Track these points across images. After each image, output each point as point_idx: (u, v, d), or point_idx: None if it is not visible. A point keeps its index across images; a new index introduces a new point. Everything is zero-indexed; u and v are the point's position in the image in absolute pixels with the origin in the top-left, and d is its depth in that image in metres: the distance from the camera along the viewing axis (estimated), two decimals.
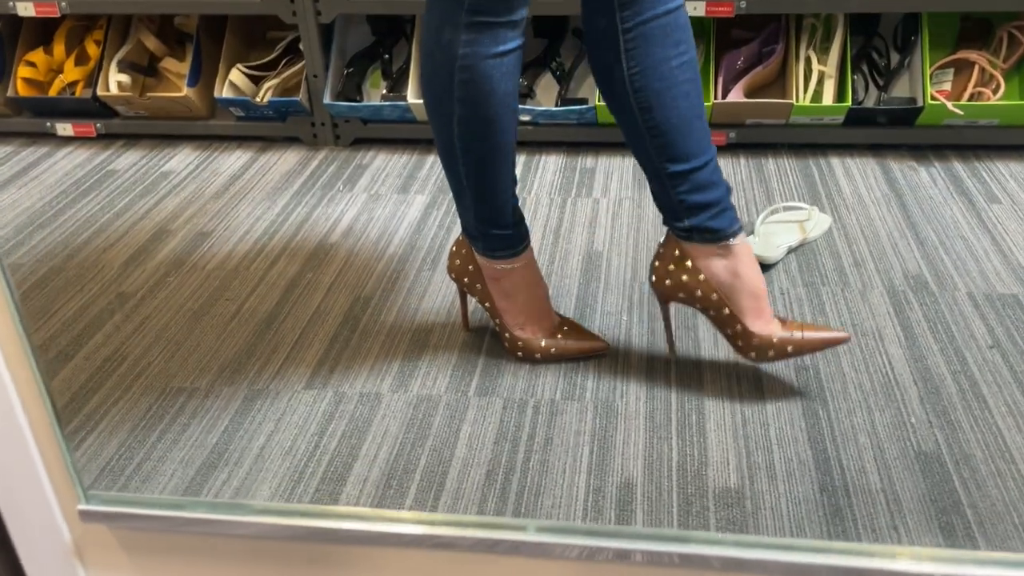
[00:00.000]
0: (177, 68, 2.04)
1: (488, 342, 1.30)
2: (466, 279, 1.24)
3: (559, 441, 1.11)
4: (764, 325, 1.11)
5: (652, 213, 1.65)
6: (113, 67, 2.01)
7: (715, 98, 1.82)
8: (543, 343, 1.22)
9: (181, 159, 1.99)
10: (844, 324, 1.30)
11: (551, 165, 1.86)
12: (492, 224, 1.16)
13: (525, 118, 1.89)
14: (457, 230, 1.62)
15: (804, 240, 1.50)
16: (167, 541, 0.99)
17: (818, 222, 1.54)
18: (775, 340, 1.11)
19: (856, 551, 0.85)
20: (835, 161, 1.81)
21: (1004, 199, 1.63)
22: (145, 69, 2.06)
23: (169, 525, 0.96)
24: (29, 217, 1.74)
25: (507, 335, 1.24)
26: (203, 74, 2.01)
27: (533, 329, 1.22)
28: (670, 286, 1.14)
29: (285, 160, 1.95)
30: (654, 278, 1.16)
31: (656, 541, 0.87)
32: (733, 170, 1.79)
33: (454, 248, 1.25)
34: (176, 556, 0.99)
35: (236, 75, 1.97)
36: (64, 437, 0.93)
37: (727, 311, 1.12)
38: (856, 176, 1.75)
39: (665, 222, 1.13)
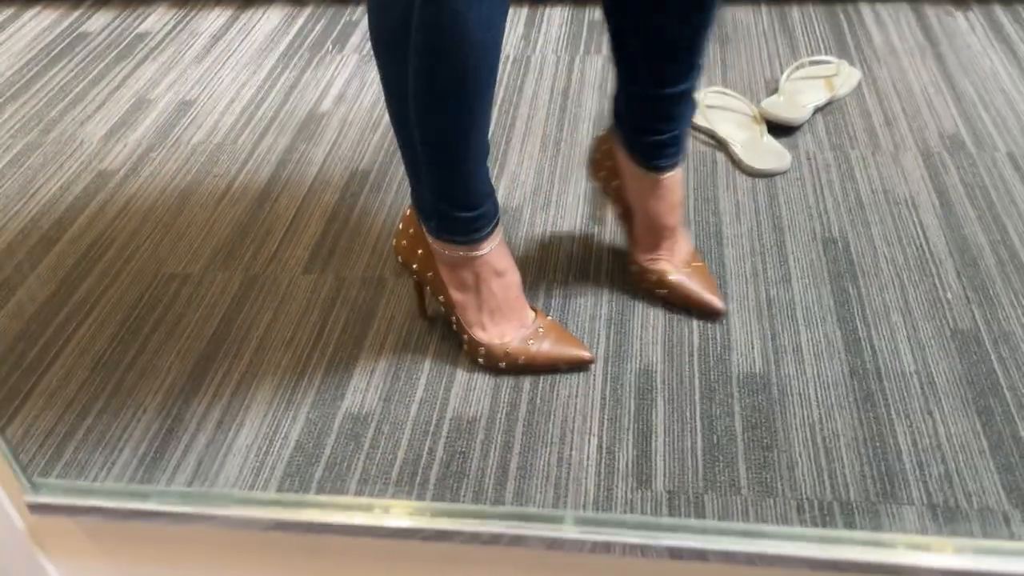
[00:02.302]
0: None
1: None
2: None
3: (575, 327, 1.05)
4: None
5: None
6: None
7: None
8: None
9: (157, 18, 1.84)
10: (875, 191, 1.21)
11: (556, 19, 1.71)
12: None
13: None
14: None
15: (832, 98, 1.39)
16: (133, 528, 0.90)
17: (847, 77, 1.43)
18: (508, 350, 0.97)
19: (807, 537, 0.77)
20: (865, 8, 1.66)
21: None
22: None
23: (130, 516, 0.85)
24: None
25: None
26: None
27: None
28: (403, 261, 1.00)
29: (268, 17, 1.80)
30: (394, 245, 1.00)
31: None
32: (754, 19, 1.65)
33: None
34: (146, 542, 0.90)
35: None
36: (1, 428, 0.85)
37: (454, 318, 0.99)
38: (888, 24, 1.61)
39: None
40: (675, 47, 0.90)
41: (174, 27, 1.80)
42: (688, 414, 0.94)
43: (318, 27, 1.75)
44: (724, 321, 1.04)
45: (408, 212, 0.99)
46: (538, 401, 0.97)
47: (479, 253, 0.93)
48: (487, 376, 1.00)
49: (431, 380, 1.00)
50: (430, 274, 0.98)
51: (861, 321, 1.02)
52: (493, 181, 1.28)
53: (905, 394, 0.94)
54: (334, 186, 1.31)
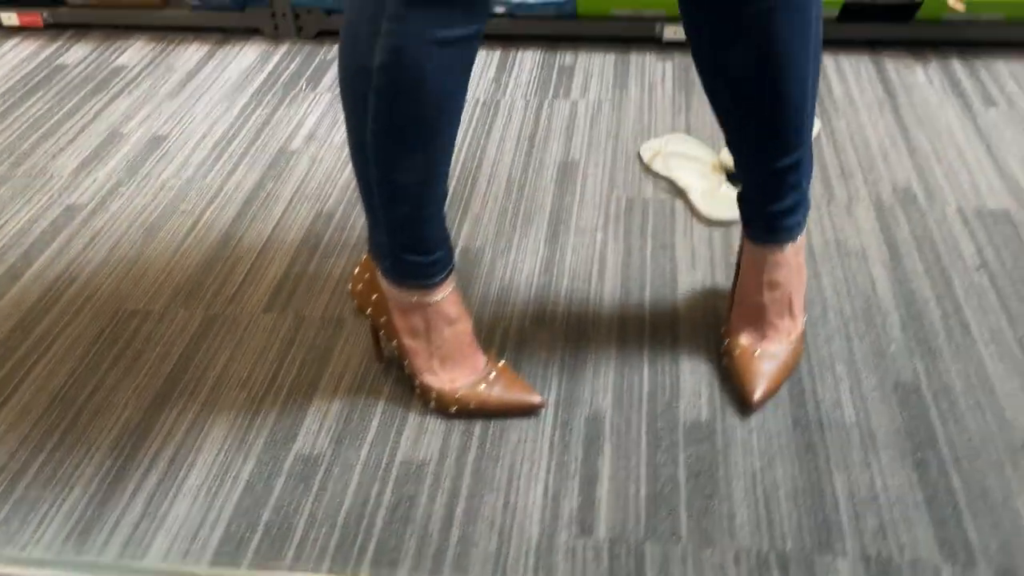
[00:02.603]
0: None
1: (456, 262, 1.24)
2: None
3: (527, 371, 1.07)
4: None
5: (632, 117, 1.56)
6: None
7: None
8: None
9: (134, 52, 1.86)
10: (828, 242, 1.24)
11: (527, 62, 1.75)
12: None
13: (500, 9, 1.76)
14: None
15: None
16: None
17: None
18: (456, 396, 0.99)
19: None
20: (827, 59, 1.71)
21: (1002, 102, 1.55)
22: None
23: None
24: None
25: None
26: None
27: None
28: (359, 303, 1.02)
29: (245, 54, 1.83)
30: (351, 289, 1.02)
31: None
32: None
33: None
34: None
35: None
36: None
37: (406, 362, 1.01)
38: (849, 76, 1.65)
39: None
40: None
41: (151, 61, 1.82)
42: (634, 461, 0.95)
43: (293, 65, 1.78)
44: (674, 369, 1.06)
45: (366, 257, 1.00)
46: (488, 446, 0.98)
47: (431, 299, 0.95)
48: (439, 420, 1.01)
49: (383, 423, 1.01)
50: (383, 319, 1.00)
51: (807, 372, 1.05)
52: (456, 222, 1.31)
53: (845, 445, 0.96)
54: (299, 225, 1.33)
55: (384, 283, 0.97)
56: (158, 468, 0.97)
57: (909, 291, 1.15)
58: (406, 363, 1.01)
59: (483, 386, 1.00)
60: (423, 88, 0.79)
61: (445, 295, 0.96)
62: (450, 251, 0.96)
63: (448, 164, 0.88)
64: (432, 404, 1.01)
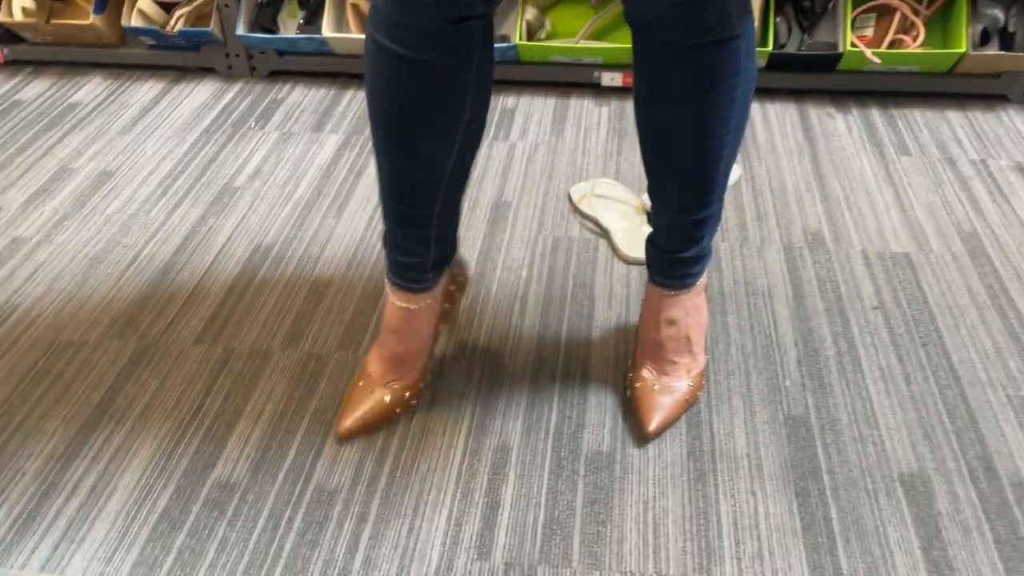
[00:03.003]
0: None
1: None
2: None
3: (444, 402, 1.12)
4: None
5: (566, 160, 1.64)
6: None
7: None
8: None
9: (90, 89, 1.92)
10: (737, 282, 1.31)
11: None
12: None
13: None
14: (369, 173, 1.60)
15: None
16: None
17: None
18: None
19: None
20: (755, 106, 1.79)
21: (914, 150, 1.64)
22: None
23: None
24: None
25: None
26: (111, 0, 1.92)
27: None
28: None
29: (198, 92, 1.89)
30: None
31: None
32: None
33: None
34: None
35: (145, 2, 1.89)
36: None
37: None
38: (774, 122, 1.74)
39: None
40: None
41: (106, 98, 1.88)
42: (535, 489, 1.01)
43: (244, 103, 1.84)
44: (582, 401, 1.12)
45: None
46: (398, 474, 1.03)
47: (388, 295, 1.06)
48: (354, 449, 1.06)
49: (300, 451, 1.06)
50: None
51: (705, 404, 1.11)
52: (382, 253, 1.36)
53: (734, 475, 1.02)
54: (237, 259, 1.38)
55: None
56: (80, 493, 1.01)
57: (808, 329, 1.22)
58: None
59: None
60: (371, 83, 0.89)
61: (394, 301, 1.05)
62: (426, 271, 1.03)
63: (409, 169, 0.94)
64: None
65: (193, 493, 1.01)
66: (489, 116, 1.78)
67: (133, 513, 0.99)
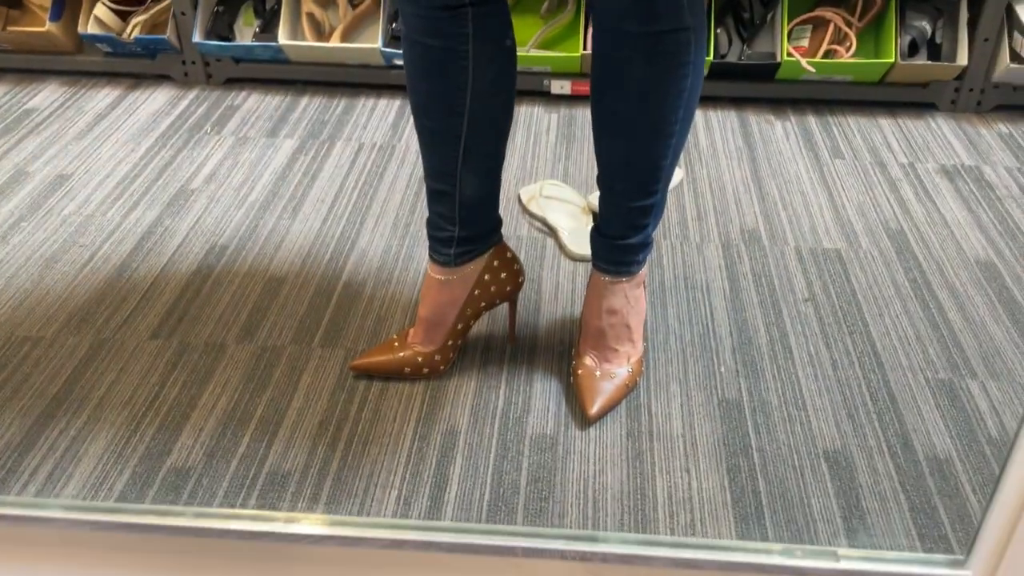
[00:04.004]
0: (42, 0, 1.97)
1: (339, 294, 1.34)
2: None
3: (395, 391, 1.17)
4: None
5: (516, 164, 1.69)
6: None
7: (585, 48, 1.85)
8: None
9: (47, 95, 1.93)
10: (677, 277, 1.38)
11: None
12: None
13: (399, 61, 1.89)
14: (323, 176, 1.63)
15: None
16: None
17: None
18: None
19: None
20: (697, 113, 1.86)
21: (847, 154, 1.72)
22: (8, 0, 1.98)
23: None
24: None
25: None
26: (67, 7, 1.94)
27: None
28: None
29: (154, 99, 1.92)
30: None
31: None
32: None
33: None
34: None
35: (102, 10, 1.91)
36: None
37: None
38: (715, 129, 1.81)
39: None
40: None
41: (62, 104, 1.90)
42: (482, 469, 1.05)
43: (201, 109, 1.87)
44: (528, 388, 1.17)
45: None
46: (350, 458, 1.07)
47: (427, 268, 1.14)
48: (306, 435, 1.10)
49: (254, 438, 1.09)
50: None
51: (644, 389, 1.16)
52: (343, 254, 1.40)
53: (670, 454, 1.07)
54: (193, 258, 1.42)
55: None
56: (37, 481, 1.04)
57: (743, 320, 1.29)
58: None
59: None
60: (408, 69, 1.02)
61: (434, 274, 1.12)
62: (447, 244, 1.10)
63: (448, 149, 1.03)
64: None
65: (149, 478, 1.04)
66: None
67: (89, 499, 1.02)
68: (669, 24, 0.93)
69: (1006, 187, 1.61)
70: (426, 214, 1.12)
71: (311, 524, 0.88)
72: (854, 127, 1.82)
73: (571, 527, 0.98)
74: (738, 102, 1.91)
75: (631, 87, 0.97)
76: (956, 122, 1.83)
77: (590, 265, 1.15)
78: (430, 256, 1.13)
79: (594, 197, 1.54)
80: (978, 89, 1.84)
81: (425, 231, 1.13)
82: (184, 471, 1.05)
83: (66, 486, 1.03)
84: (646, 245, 1.11)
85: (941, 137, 1.78)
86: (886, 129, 1.81)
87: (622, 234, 1.08)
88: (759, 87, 1.88)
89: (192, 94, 1.94)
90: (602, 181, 1.08)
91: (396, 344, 1.17)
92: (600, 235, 1.11)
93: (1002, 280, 1.37)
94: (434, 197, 1.08)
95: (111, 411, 1.13)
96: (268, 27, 1.93)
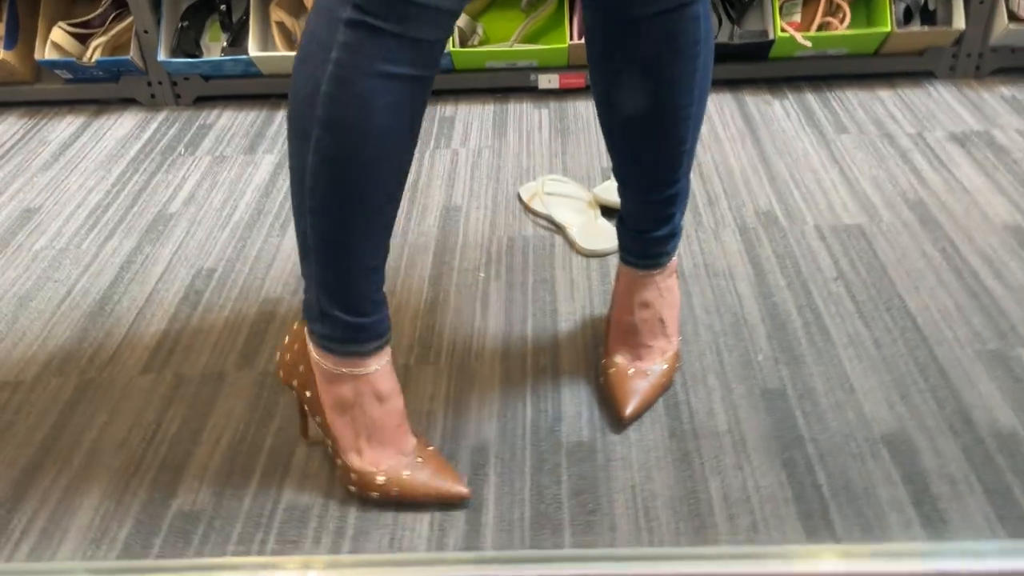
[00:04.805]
0: None
1: None
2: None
3: (414, 410, 1.08)
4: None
5: (511, 163, 1.61)
6: None
7: (571, 40, 1.78)
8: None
9: (6, 128, 1.83)
10: (697, 265, 1.30)
11: None
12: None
13: None
14: None
15: None
16: None
17: None
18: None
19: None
20: None
21: (852, 128, 1.66)
22: None
23: None
24: None
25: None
26: (22, 34, 1.84)
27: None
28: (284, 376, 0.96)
29: (121, 124, 1.82)
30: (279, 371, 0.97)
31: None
32: (592, 112, 1.77)
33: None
34: None
35: (58, 34, 1.81)
36: None
37: (328, 440, 0.95)
38: (713, 113, 1.75)
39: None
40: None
41: (23, 136, 1.79)
42: (518, 486, 0.97)
43: (171, 131, 1.78)
44: (556, 394, 1.08)
45: (296, 325, 0.94)
46: None
47: (361, 371, 0.89)
48: (322, 465, 1.00)
49: (266, 471, 1.00)
50: (308, 393, 0.93)
51: (681, 385, 1.08)
52: None
53: (719, 452, 0.99)
54: (179, 285, 1.32)
55: (312, 350, 0.91)
56: (29, 539, 0.94)
57: (773, 304, 1.21)
58: (329, 441, 0.95)
59: (408, 472, 0.93)
60: (367, 122, 0.77)
61: (378, 368, 0.90)
62: (386, 320, 0.90)
63: (390, 217, 0.84)
64: (353, 488, 0.94)
65: (155, 526, 0.94)
66: (428, 125, 1.75)
67: (90, 554, 0.92)
68: (675, 1, 0.86)
69: (1021, 150, 1.56)
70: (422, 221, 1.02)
71: (343, 570, 0.78)
72: (854, 101, 1.76)
73: (623, 540, 0.90)
74: (733, 84, 1.84)
75: (644, 75, 0.90)
76: (957, 88, 1.78)
77: (604, 260, 1.07)
78: (351, 353, 0.89)
79: (601, 189, 1.46)
80: (976, 53, 1.79)
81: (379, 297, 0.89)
82: (192, 514, 0.95)
83: (63, 543, 0.93)
84: (675, 235, 1.03)
85: (944, 104, 1.73)
86: (887, 100, 1.76)
87: (648, 228, 1.01)
88: (752, 68, 1.82)
89: (161, 116, 1.84)
90: (621, 177, 1.00)
91: (416, 457, 0.95)
92: (626, 228, 1.03)
93: None
94: (360, 277, 0.86)
95: (105, 455, 1.03)
96: (237, 40, 1.84)
